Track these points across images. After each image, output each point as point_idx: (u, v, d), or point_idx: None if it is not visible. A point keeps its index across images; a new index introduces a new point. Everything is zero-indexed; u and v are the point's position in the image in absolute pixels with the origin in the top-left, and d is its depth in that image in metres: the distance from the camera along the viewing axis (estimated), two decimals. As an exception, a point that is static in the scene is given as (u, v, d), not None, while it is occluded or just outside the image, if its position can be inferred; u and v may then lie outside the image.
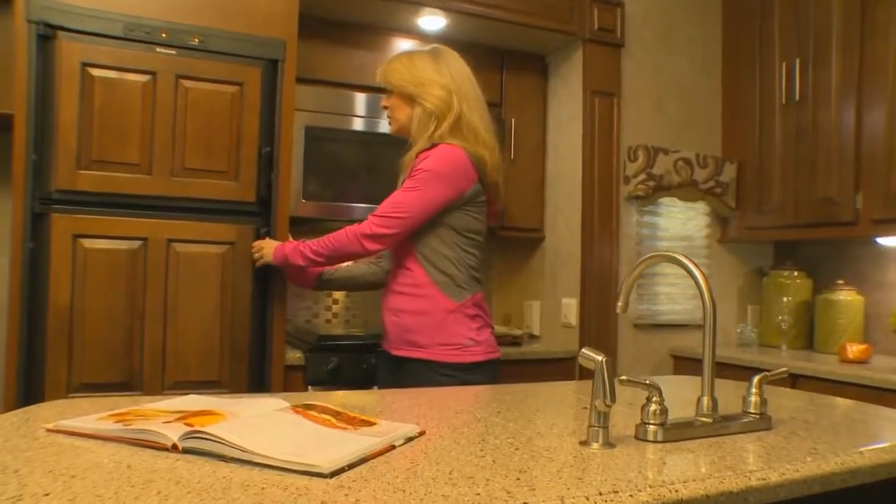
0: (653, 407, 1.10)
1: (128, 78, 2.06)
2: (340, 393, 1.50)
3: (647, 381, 1.11)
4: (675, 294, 3.03)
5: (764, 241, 3.12)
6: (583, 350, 1.09)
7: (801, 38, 2.75)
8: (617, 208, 2.86)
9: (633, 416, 1.23)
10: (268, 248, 2.07)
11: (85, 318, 2.00)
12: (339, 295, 3.00)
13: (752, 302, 3.16)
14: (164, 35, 2.10)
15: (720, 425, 1.16)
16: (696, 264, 1.21)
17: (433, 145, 1.86)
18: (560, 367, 2.74)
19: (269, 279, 2.21)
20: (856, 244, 2.89)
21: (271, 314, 2.22)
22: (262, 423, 1.04)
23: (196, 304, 2.13)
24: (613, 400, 1.05)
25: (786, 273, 2.96)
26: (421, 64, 1.92)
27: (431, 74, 1.90)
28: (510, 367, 2.60)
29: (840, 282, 2.77)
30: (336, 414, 1.14)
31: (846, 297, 2.72)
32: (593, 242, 2.82)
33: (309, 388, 2.29)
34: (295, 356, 2.30)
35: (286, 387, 2.24)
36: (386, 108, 2.00)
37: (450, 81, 1.90)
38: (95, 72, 2.03)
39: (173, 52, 2.12)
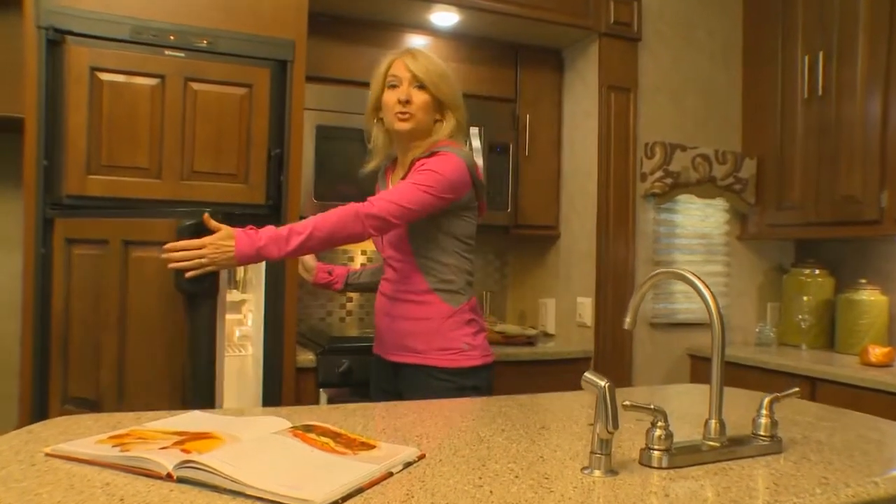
0: (657, 432, 1.08)
1: (136, 81, 2.06)
2: (349, 406, 1.48)
3: (652, 406, 1.08)
4: (691, 292, 2.97)
5: (784, 238, 3.05)
6: (585, 374, 1.07)
7: (825, 30, 2.66)
8: (633, 206, 2.81)
9: (641, 433, 1.21)
10: (217, 252, 1.62)
11: (79, 326, 1.97)
12: (353, 293, 2.99)
13: (772, 299, 3.09)
14: (172, 37, 2.09)
15: (728, 450, 1.13)
16: (704, 283, 1.18)
17: (433, 153, 1.81)
18: (575, 368, 2.71)
19: (281, 282, 2.20)
20: (880, 242, 2.82)
21: (283, 317, 2.22)
22: (258, 449, 1.03)
23: (207, 308, 2.12)
24: (616, 427, 1.02)
25: (807, 271, 2.89)
26: (453, 77, 1.92)
27: (459, 90, 1.92)
28: (525, 367, 2.59)
29: (863, 281, 2.70)
30: (335, 436, 1.13)
31: (869, 296, 2.65)
32: (609, 241, 2.78)
33: (321, 390, 2.29)
34: (307, 358, 2.29)
35: (298, 389, 2.24)
36: (408, 102, 1.82)
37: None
38: (104, 76, 2.03)
39: (181, 54, 2.11)
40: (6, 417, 2.17)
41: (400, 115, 1.83)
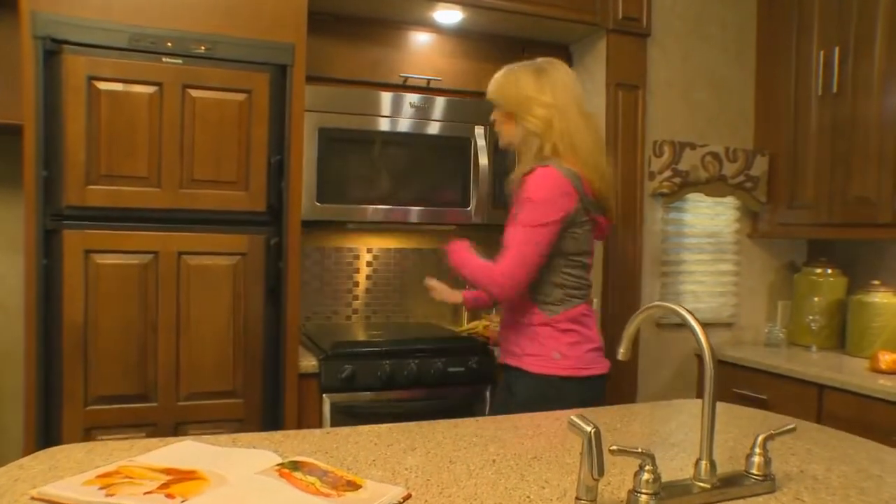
0: (645, 476, 1.06)
1: (134, 90, 2.04)
2: (342, 431, 1.48)
3: (640, 450, 1.06)
4: (700, 292, 2.94)
5: (796, 237, 2.99)
6: (571, 417, 1.05)
7: (842, 25, 2.57)
8: (641, 205, 2.76)
9: (631, 464, 1.19)
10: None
11: (99, 331, 2.03)
12: (359, 291, 2.99)
13: (783, 297, 3.05)
14: (169, 44, 2.07)
15: (718, 492, 1.11)
16: (696, 318, 1.15)
17: (532, 168, 1.86)
18: (579, 369, 2.69)
19: (280, 288, 2.20)
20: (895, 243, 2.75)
21: (284, 323, 2.22)
22: (242, 493, 1.03)
23: (209, 316, 2.14)
24: (601, 474, 1.01)
25: (818, 270, 2.84)
26: (524, 80, 1.92)
27: (533, 92, 1.90)
28: None
29: (876, 282, 2.64)
30: (323, 475, 1.13)
31: (882, 298, 2.60)
32: (616, 240, 2.74)
33: (324, 395, 2.29)
34: (310, 364, 2.30)
35: (301, 395, 2.25)
36: (493, 122, 2.02)
37: (551, 100, 1.89)
38: (102, 85, 2.01)
39: (179, 61, 2.09)
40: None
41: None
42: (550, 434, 1.47)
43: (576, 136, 1.87)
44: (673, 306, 1.19)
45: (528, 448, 1.37)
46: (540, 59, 1.97)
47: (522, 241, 1.82)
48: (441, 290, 2.28)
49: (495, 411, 1.99)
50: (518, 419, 1.59)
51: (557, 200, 1.82)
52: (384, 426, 1.51)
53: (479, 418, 1.61)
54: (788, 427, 1.20)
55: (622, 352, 1.29)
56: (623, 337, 1.28)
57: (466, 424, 1.54)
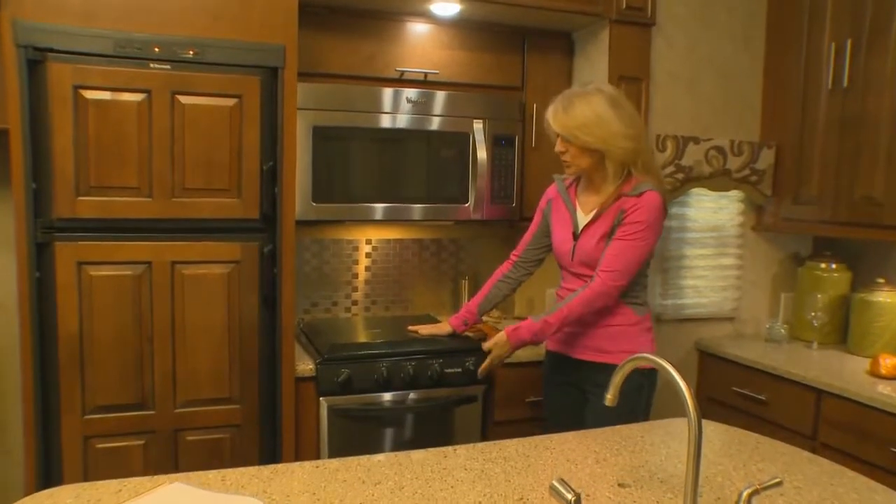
0: (627, 540, 1.06)
1: (122, 98, 2.00)
2: (331, 464, 1.49)
3: (622, 514, 1.06)
4: (701, 287, 2.91)
5: (800, 233, 2.94)
6: (553, 482, 1.05)
7: (855, 17, 2.47)
8: (643, 200, 2.71)
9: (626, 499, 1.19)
10: (497, 349, 2.13)
11: (95, 342, 2.04)
12: (359, 282, 2.98)
13: (786, 289, 3.01)
14: (156, 50, 2.02)
15: (701, 552, 1.11)
16: (681, 375, 1.13)
17: (640, 193, 1.97)
18: (578, 366, 2.68)
19: (275, 295, 2.19)
20: (902, 239, 2.70)
21: (280, 329, 2.22)
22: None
23: (204, 323, 2.14)
24: (581, 544, 1.00)
25: (822, 265, 2.79)
26: (606, 116, 1.96)
27: (617, 127, 1.97)
28: (528, 369, 2.53)
29: (881, 281, 2.60)
30: (304, 530, 1.13)
31: (885, 298, 2.56)
32: (617, 236, 2.70)
33: (321, 399, 2.30)
34: (306, 367, 2.30)
35: (298, 399, 2.26)
36: (563, 152, 2.05)
37: (633, 131, 1.99)
38: (88, 94, 1.97)
39: (167, 66, 2.04)
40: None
41: (563, 163, 2.07)
42: (538, 469, 1.47)
43: (648, 156, 2.06)
44: (659, 360, 1.17)
45: (515, 486, 1.37)
46: (603, 88, 2.03)
47: (634, 255, 1.99)
48: (426, 329, 2.47)
49: (570, 413, 2.12)
50: (507, 448, 1.58)
51: (661, 224, 2.03)
52: (374, 458, 1.52)
53: (469, 446, 1.61)
54: (774, 481, 1.19)
55: (609, 398, 1.28)
56: (610, 384, 1.27)
57: (456, 455, 1.54)
